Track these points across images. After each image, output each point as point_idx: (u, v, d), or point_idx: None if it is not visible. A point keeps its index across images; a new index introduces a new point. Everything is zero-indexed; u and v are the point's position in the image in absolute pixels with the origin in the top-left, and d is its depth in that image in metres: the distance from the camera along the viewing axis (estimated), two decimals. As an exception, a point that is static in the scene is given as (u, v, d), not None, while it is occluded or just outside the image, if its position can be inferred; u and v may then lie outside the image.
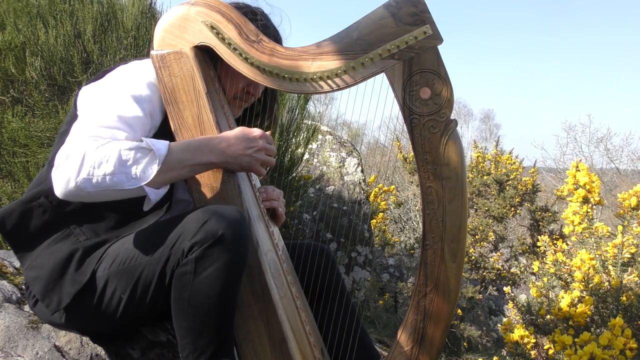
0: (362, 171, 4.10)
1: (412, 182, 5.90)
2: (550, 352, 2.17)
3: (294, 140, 3.01)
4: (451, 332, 3.77)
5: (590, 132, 12.67)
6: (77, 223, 1.35)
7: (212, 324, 1.23)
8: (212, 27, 1.36)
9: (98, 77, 1.40)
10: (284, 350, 1.33)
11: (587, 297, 2.16)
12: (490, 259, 4.93)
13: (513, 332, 2.32)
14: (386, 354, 1.43)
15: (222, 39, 1.36)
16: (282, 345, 1.33)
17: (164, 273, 1.25)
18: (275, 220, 1.54)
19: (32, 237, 1.36)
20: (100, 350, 1.43)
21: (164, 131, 1.37)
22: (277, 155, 2.84)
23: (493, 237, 5.03)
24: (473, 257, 4.87)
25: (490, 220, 5.04)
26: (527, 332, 2.29)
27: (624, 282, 2.17)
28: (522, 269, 2.82)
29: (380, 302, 3.91)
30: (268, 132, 1.42)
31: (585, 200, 2.34)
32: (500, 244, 5.15)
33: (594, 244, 2.29)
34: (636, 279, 2.16)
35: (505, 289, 2.88)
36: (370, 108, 1.31)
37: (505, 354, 2.69)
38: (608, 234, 2.32)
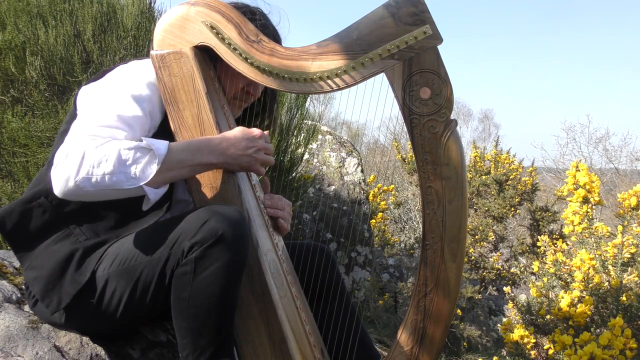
0: (362, 171, 4.10)
1: (411, 182, 5.90)
2: (550, 352, 2.17)
3: (293, 140, 3.01)
4: (451, 332, 3.77)
5: (590, 132, 12.69)
6: (77, 223, 1.35)
7: (212, 324, 1.23)
8: (212, 27, 1.36)
9: (98, 77, 1.40)
10: (284, 350, 1.33)
11: (587, 297, 2.16)
12: (490, 259, 4.93)
13: (513, 332, 2.32)
14: (386, 354, 1.43)
15: (222, 39, 1.36)
16: (282, 345, 1.33)
17: (164, 273, 1.25)
18: (277, 230, 1.52)
19: (32, 237, 1.36)
20: (100, 350, 1.43)
21: (163, 131, 1.37)
22: (277, 155, 2.84)
23: (493, 237, 5.03)
24: (473, 257, 4.87)
25: (490, 220, 5.04)
26: (527, 332, 2.29)
27: (624, 282, 2.17)
28: (522, 269, 2.82)
29: (380, 302, 3.91)
30: (267, 132, 1.42)
31: (585, 200, 2.34)
32: (500, 244, 5.15)
33: (594, 244, 2.29)
34: (636, 279, 2.16)
35: (505, 289, 2.88)
36: (370, 108, 1.31)
37: (505, 354, 2.70)
38: (608, 234, 2.32)
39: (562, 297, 2.21)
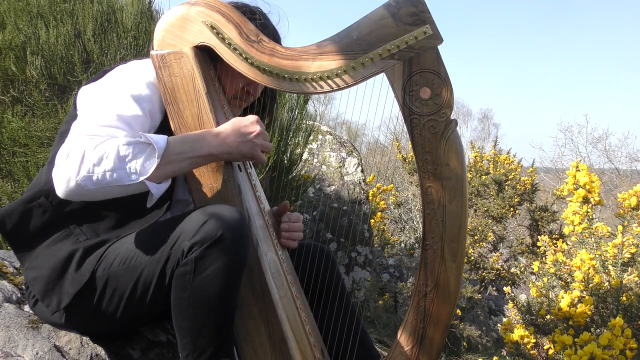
0: (362, 171, 4.10)
1: (411, 182, 5.90)
2: (550, 352, 2.17)
3: (293, 140, 3.01)
4: (451, 332, 3.77)
5: (587, 132, 12.70)
6: (77, 223, 1.35)
7: (212, 324, 1.23)
8: (212, 27, 1.36)
9: (97, 77, 1.40)
10: (284, 350, 1.33)
11: (587, 297, 2.16)
12: (490, 260, 4.93)
13: (513, 332, 2.32)
14: (386, 354, 1.43)
15: (222, 39, 1.36)
16: (282, 345, 1.33)
17: (164, 273, 1.25)
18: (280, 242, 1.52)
19: (32, 237, 1.36)
20: (100, 350, 1.43)
21: (163, 131, 1.37)
22: (276, 155, 2.84)
23: (492, 237, 5.03)
24: (472, 258, 4.87)
25: (490, 221, 5.04)
26: (527, 332, 2.29)
27: (624, 282, 2.17)
28: (522, 269, 2.82)
29: (380, 302, 3.91)
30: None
31: (585, 200, 2.34)
32: (500, 244, 5.15)
33: (594, 244, 2.29)
34: (636, 279, 2.16)
35: (505, 289, 2.89)
36: (370, 108, 1.31)
37: (505, 354, 2.70)
38: (608, 234, 2.32)
39: (562, 297, 2.21)
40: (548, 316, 2.27)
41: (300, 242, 1.60)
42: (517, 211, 5.13)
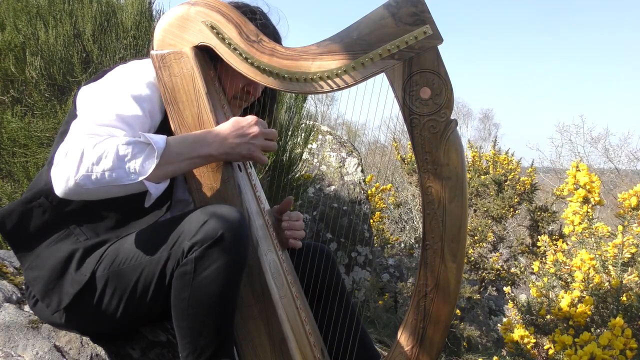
0: (362, 171, 4.10)
1: (411, 183, 5.89)
2: (550, 352, 2.17)
3: (292, 140, 3.01)
4: (451, 332, 3.77)
5: (585, 132, 12.71)
6: (77, 223, 1.35)
7: (212, 324, 1.23)
8: (212, 27, 1.36)
9: (97, 77, 1.40)
10: (284, 350, 1.33)
11: (587, 297, 2.16)
12: (490, 260, 4.93)
13: (513, 332, 2.32)
14: (386, 354, 1.43)
15: (222, 39, 1.36)
16: (282, 345, 1.33)
17: (164, 273, 1.25)
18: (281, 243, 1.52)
19: (32, 237, 1.36)
20: (100, 350, 1.43)
21: (163, 131, 1.37)
22: (276, 155, 2.84)
23: (492, 237, 5.03)
24: (472, 258, 4.87)
25: (489, 221, 5.04)
26: (527, 332, 2.29)
27: (624, 282, 2.17)
28: (522, 269, 2.82)
29: (380, 302, 3.91)
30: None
31: (586, 200, 2.34)
32: (500, 244, 5.15)
33: (594, 244, 2.29)
34: (636, 279, 2.16)
35: (505, 289, 2.89)
36: (370, 108, 1.31)
37: (505, 354, 2.70)
38: (608, 234, 2.33)
39: (562, 297, 2.21)
40: (548, 316, 2.27)
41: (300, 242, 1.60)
42: (516, 211, 5.12)
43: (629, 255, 2.20)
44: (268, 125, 1.66)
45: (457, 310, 3.98)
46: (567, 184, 2.44)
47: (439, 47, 1.29)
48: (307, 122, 3.28)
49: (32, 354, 1.35)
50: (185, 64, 1.37)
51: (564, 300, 2.18)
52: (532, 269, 2.57)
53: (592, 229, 2.32)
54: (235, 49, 1.35)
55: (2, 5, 2.64)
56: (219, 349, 1.25)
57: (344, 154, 4.12)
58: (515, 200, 4.98)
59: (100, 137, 1.20)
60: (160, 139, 1.22)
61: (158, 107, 1.37)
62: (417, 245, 5.41)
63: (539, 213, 4.89)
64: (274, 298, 1.33)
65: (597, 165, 12.45)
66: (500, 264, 4.94)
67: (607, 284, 2.19)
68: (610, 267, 2.22)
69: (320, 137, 4.15)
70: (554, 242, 2.72)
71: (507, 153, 5.32)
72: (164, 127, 1.37)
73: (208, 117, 1.36)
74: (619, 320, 1.93)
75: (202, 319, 1.23)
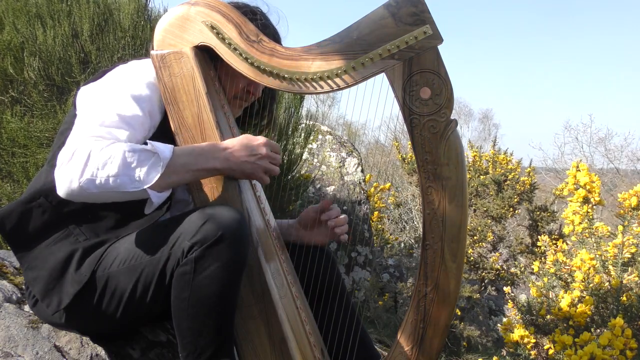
0: (362, 171, 4.10)
1: (411, 183, 5.89)
2: (550, 352, 2.17)
3: (291, 140, 3.00)
4: (451, 332, 3.77)
5: (591, 132, 12.72)
6: (76, 223, 1.35)
7: (212, 324, 1.23)
8: (212, 27, 1.36)
9: (97, 77, 1.40)
10: (284, 350, 1.33)
11: (587, 297, 2.16)
12: (490, 260, 4.93)
13: (513, 332, 2.32)
14: (386, 354, 1.43)
15: (222, 39, 1.36)
16: (282, 345, 1.33)
17: (164, 273, 1.25)
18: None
19: (31, 238, 1.36)
20: (100, 350, 1.43)
21: (163, 131, 1.37)
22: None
23: (492, 237, 5.03)
24: (472, 258, 4.87)
25: (489, 221, 5.04)
26: (527, 332, 2.29)
27: (624, 282, 2.17)
28: (522, 269, 2.82)
29: (380, 302, 3.91)
30: (273, 141, 1.41)
31: (586, 200, 2.34)
32: (500, 244, 5.15)
33: (594, 244, 2.29)
34: (636, 279, 2.16)
35: (505, 289, 2.88)
36: (370, 108, 1.31)
37: (505, 354, 2.69)
38: (608, 234, 2.33)
39: (562, 297, 2.21)
40: (548, 316, 2.27)
41: (301, 242, 1.60)
42: (516, 211, 5.13)
43: (629, 255, 2.20)
44: (268, 125, 1.66)
45: (457, 310, 3.98)
46: (567, 183, 2.44)
47: (439, 47, 1.29)
48: (307, 122, 3.27)
49: (32, 354, 1.35)
50: (185, 64, 1.37)
51: (564, 300, 2.18)
52: (532, 268, 2.57)
53: (592, 229, 2.32)
54: (235, 49, 1.35)
55: (1, 5, 2.64)
56: (219, 349, 1.25)
57: (344, 154, 4.12)
58: (515, 200, 4.98)
59: (106, 141, 1.20)
60: (167, 148, 1.22)
61: (157, 107, 1.37)
62: (417, 245, 5.41)
63: (538, 213, 4.89)
64: (274, 298, 1.33)
65: (600, 166, 12.47)
66: (499, 264, 4.94)
67: (607, 284, 2.19)
68: (610, 267, 2.22)
69: (320, 137, 4.15)
70: (554, 242, 2.72)
71: (505, 153, 5.32)
72: (163, 127, 1.37)
73: (208, 117, 1.36)
74: (619, 320, 1.93)
75: (202, 319, 1.23)
